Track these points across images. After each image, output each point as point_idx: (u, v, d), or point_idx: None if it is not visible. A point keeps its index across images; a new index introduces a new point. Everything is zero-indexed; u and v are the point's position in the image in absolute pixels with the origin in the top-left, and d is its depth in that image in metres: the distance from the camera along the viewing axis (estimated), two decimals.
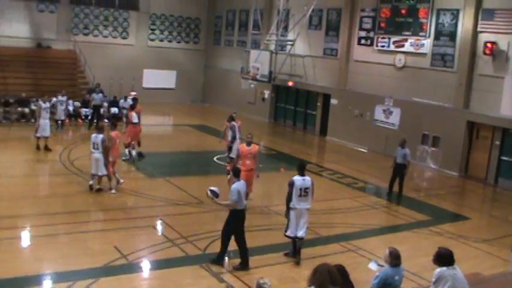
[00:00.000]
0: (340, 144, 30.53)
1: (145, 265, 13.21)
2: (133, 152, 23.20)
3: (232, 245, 13.28)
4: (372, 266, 9.41)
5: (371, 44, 29.67)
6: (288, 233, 13.67)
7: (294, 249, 13.71)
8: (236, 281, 12.39)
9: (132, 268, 12.97)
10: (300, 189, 13.33)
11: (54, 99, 28.28)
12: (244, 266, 12.97)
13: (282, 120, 37.15)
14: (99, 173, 18.24)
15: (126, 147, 22.74)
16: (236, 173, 13.20)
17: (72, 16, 39.76)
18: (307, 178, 13.62)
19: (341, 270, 7.80)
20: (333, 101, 31.96)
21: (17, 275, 11.87)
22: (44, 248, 11.88)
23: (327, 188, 21.79)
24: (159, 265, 13.22)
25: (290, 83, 34.29)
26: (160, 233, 15.46)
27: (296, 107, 35.99)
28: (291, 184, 13.39)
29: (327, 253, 14.13)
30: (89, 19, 40.36)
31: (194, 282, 12.32)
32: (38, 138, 23.88)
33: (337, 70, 31.78)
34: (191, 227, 15.65)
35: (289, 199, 13.44)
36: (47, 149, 23.79)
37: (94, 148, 18.15)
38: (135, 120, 22.97)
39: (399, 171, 20.71)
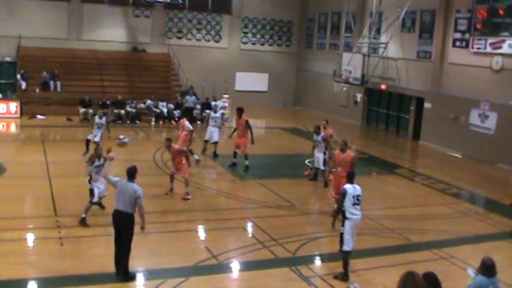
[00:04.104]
0: (433, 148, 29.90)
1: (235, 266, 13.37)
2: (196, 157, 23.01)
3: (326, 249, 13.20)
4: (470, 272, 9.20)
5: (466, 46, 28.84)
6: (346, 248, 12.62)
7: (347, 266, 12.73)
8: (326, 285, 12.37)
9: (221, 268, 13.17)
10: (353, 196, 12.60)
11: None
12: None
13: (374, 123, 36.75)
14: None
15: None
16: (128, 174, 12.23)
17: (167, 20, 40.78)
18: (357, 186, 12.85)
19: (433, 279, 7.65)
20: (427, 105, 31.33)
21: (112, 271, 12.22)
22: (136, 246, 12.23)
23: (419, 194, 21.44)
24: (248, 266, 13.37)
25: (383, 86, 33.91)
26: (250, 235, 15.60)
27: (389, 110, 35.52)
28: (343, 193, 12.65)
29: (418, 260, 13.85)
30: (182, 23, 41.26)
31: (283, 285, 12.37)
32: (206, 141, 24.77)
33: (431, 73, 31.13)
34: (281, 230, 15.71)
35: (340, 210, 12.72)
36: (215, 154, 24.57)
37: None
38: (189, 127, 22.27)
39: None
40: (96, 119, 23.02)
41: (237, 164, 22.82)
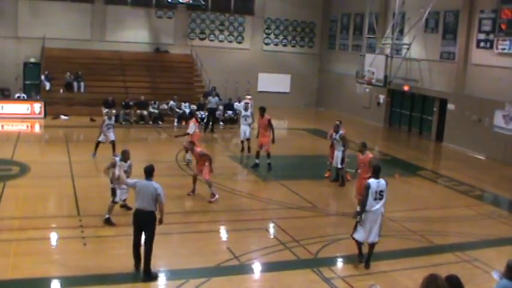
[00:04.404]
0: (456, 150, 29.66)
1: (257, 267, 13.38)
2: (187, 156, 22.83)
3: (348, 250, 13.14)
4: (495, 275, 9.11)
5: (491, 47, 28.57)
6: (356, 237, 13.28)
7: (361, 253, 13.44)
8: (347, 287, 12.34)
9: (243, 269, 13.19)
10: (376, 191, 13.07)
11: None
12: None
13: (397, 125, 36.52)
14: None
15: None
16: (146, 173, 12.54)
17: (189, 21, 40.94)
18: (382, 181, 13.26)
19: (455, 282, 7.59)
20: (450, 106, 31.11)
21: (135, 270, 12.35)
22: (158, 246, 12.36)
23: (442, 196, 21.30)
24: (270, 267, 13.37)
25: (406, 88, 33.73)
26: (272, 236, 15.61)
27: (411, 112, 35.27)
28: (367, 187, 13.09)
29: (441, 262, 13.76)
30: (205, 24, 41.38)
31: (305, 286, 12.37)
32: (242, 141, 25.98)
33: (454, 74, 30.89)
34: (303, 231, 15.70)
35: (364, 203, 13.08)
36: (249, 149, 25.51)
37: None
38: (190, 130, 22.42)
39: None
40: (106, 120, 23.45)
41: (259, 165, 22.89)
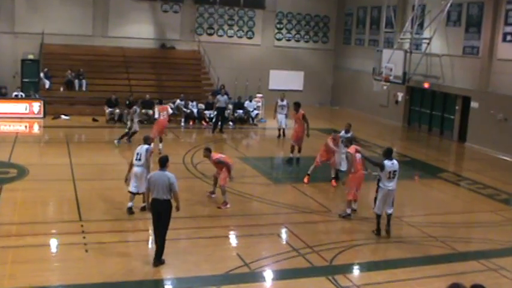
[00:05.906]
0: (481, 151, 29.52)
1: (268, 274, 13.36)
2: (160, 146, 24.64)
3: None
4: None
5: None
6: (376, 211, 15.93)
7: (378, 225, 15.87)
8: None
9: (254, 277, 13.16)
10: (389, 172, 15.47)
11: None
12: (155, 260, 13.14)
13: (416, 124, 36.37)
14: (139, 191, 16.35)
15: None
16: (160, 163, 13.50)
17: (196, 16, 40.98)
18: (395, 162, 15.73)
19: None
20: (473, 104, 30.97)
21: (140, 279, 12.42)
22: (165, 253, 12.45)
23: (465, 199, 21.21)
24: (282, 275, 13.36)
25: (426, 85, 33.62)
26: (284, 242, 15.58)
27: (432, 110, 35.11)
28: (382, 166, 15.50)
29: (464, 271, 13.73)
30: (213, 18, 41.42)
31: None
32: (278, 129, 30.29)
33: (478, 70, 30.72)
34: (317, 237, 15.69)
35: (376, 163, 16.06)
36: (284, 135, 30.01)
37: (137, 159, 16.92)
38: (156, 116, 25.80)
39: None
40: (137, 109, 26.19)
41: (293, 160, 24.50)
